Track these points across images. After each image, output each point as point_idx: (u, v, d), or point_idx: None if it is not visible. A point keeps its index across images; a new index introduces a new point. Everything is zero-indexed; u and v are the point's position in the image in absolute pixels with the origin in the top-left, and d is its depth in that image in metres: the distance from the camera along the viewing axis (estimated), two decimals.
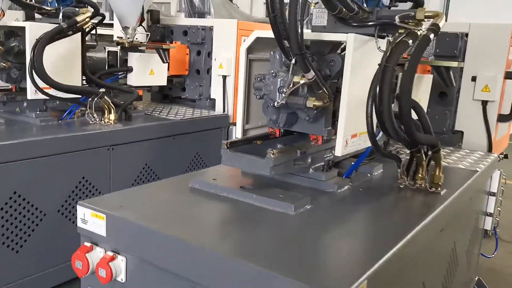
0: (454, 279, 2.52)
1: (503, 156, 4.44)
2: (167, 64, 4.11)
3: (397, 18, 1.90)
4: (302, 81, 1.77)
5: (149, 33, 4.21)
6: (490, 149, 3.19)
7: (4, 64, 3.17)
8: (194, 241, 1.52)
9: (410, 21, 1.97)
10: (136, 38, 3.95)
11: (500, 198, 3.26)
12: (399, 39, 1.83)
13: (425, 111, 2.90)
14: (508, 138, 3.93)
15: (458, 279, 2.65)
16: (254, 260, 1.39)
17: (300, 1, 1.58)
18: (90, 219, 1.73)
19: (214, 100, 4.44)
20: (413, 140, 1.91)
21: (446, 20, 2.04)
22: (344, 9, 1.91)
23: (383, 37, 2.13)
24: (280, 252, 1.50)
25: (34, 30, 3.08)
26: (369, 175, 2.37)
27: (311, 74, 1.72)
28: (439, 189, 2.15)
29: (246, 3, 14.92)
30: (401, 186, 2.19)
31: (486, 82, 3.11)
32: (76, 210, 3.04)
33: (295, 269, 1.38)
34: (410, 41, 1.84)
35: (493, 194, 3.14)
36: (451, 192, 2.16)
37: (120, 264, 1.68)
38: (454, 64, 2.70)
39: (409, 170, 2.25)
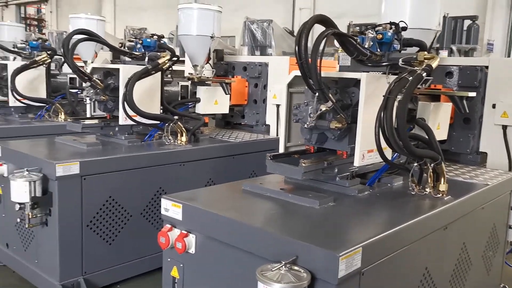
0: (467, 276, 2.94)
1: None
2: (229, 95, 4.86)
3: (400, 61, 2.48)
4: (323, 108, 2.37)
5: (214, 69, 5.00)
6: (510, 168, 3.56)
7: (103, 97, 4.03)
8: (246, 221, 2.15)
9: (415, 62, 2.54)
10: (204, 74, 4.74)
11: None
12: (401, 76, 2.39)
13: (446, 134, 3.40)
14: None
15: (474, 278, 3.05)
16: (288, 234, 2.01)
17: (319, 51, 2.21)
18: (171, 208, 2.42)
19: (269, 125, 5.13)
20: (411, 154, 2.43)
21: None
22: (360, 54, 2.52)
23: (396, 74, 2.69)
24: (305, 230, 2.11)
25: (126, 70, 3.92)
26: (389, 185, 2.90)
27: (329, 103, 2.33)
28: (443, 195, 2.64)
29: None
30: (412, 193, 2.70)
31: (504, 108, 3.53)
32: (154, 213, 3.80)
33: (315, 239, 1.96)
34: (410, 78, 2.39)
35: None
36: (454, 199, 2.64)
37: (191, 239, 2.35)
38: (464, 94, 3.17)
39: (421, 180, 2.76)
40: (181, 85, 4.71)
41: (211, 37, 4.49)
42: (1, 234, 4.03)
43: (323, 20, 2.33)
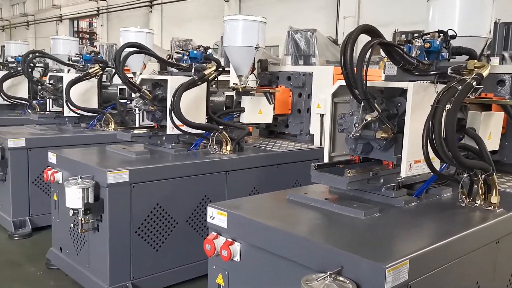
0: None
1: None
2: (273, 105, 4.90)
3: (449, 70, 2.43)
4: (369, 118, 2.36)
5: (258, 79, 5.06)
6: None
7: (152, 108, 4.17)
8: (291, 231, 2.16)
9: (464, 70, 2.48)
10: (248, 84, 4.81)
11: None
12: (450, 85, 2.34)
13: (497, 144, 3.28)
14: None
15: None
16: (334, 244, 2.00)
17: (365, 61, 2.21)
18: (216, 216, 2.47)
19: (313, 135, 5.11)
20: (461, 164, 2.37)
21: None
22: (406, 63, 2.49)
23: (445, 83, 2.63)
24: (351, 240, 2.09)
25: (174, 81, 4.04)
26: (437, 196, 2.83)
27: (375, 113, 2.31)
28: (495, 208, 2.55)
29: None
30: (462, 205, 2.62)
31: None
32: (199, 221, 3.87)
33: (360, 249, 1.95)
34: (460, 87, 2.33)
35: None
36: (506, 211, 2.54)
37: (236, 248, 2.38)
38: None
39: (471, 191, 2.67)
40: (226, 95, 4.79)
41: (256, 47, 4.56)
42: (55, 238, 4.24)
43: (368, 30, 2.32)
